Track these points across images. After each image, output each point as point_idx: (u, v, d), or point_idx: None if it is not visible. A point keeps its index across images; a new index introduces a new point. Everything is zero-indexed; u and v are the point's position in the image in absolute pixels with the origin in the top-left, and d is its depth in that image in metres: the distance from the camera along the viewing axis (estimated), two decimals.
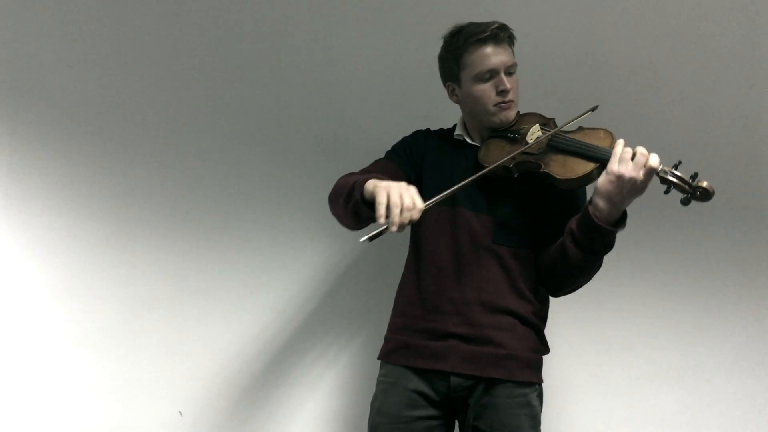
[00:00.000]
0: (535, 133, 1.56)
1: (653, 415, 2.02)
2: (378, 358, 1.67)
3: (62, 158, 2.04)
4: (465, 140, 1.67)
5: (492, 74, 1.57)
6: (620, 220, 1.44)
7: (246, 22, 2.10)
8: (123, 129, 2.06)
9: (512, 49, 1.61)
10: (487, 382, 1.53)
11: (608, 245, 1.46)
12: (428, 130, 1.76)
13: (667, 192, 1.40)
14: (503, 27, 1.58)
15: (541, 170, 1.51)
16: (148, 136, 2.07)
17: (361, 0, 2.10)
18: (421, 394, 1.56)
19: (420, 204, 1.34)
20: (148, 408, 2.00)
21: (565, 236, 1.49)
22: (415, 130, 1.77)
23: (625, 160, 1.38)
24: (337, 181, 1.59)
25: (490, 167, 1.49)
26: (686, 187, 1.37)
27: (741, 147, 2.06)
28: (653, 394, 2.03)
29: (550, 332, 1.65)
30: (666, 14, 2.08)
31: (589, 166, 1.46)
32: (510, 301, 1.56)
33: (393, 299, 1.70)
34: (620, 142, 1.42)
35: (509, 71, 1.58)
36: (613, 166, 1.39)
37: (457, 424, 1.65)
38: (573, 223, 1.47)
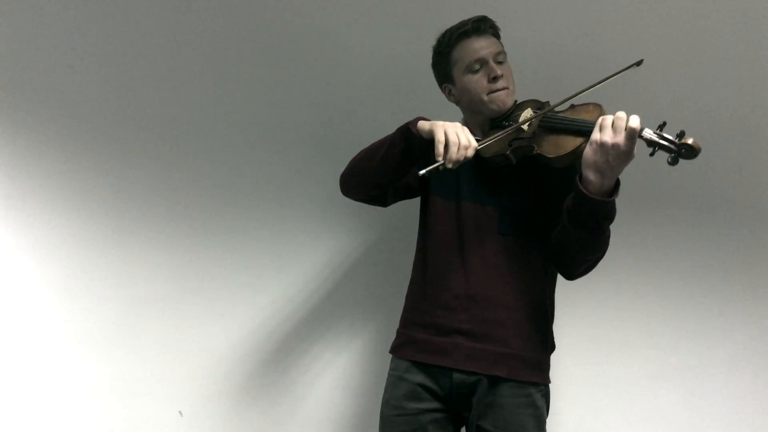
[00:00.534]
0: (526, 116, 1.56)
1: (653, 415, 2.02)
2: (389, 352, 1.68)
3: (62, 158, 2.04)
4: None
5: (481, 63, 1.58)
6: (614, 190, 1.40)
7: (246, 22, 2.10)
8: (123, 129, 2.06)
9: (497, 39, 1.63)
10: (491, 379, 1.53)
11: (605, 216, 1.41)
12: None
13: (652, 154, 1.36)
14: (484, 18, 1.61)
15: (535, 152, 1.50)
16: (148, 136, 2.07)
17: (361, 0, 2.11)
18: (426, 388, 1.57)
19: (474, 143, 1.42)
20: (148, 408, 2.01)
21: (563, 215, 1.47)
22: None
23: (606, 127, 1.35)
24: (356, 155, 1.62)
25: (484, 141, 1.50)
26: (671, 146, 1.33)
27: (741, 147, 2.06)
28: (653, 394, 2.03)
29: None
30: (666, 14, 2.08)
31: (577, 141, 1.44)
32: (517, 296, 1.56)
33: (392, 299, 1.70)
34: (605, 116, 1.39)
35: (498, 59, 1.59)
36: (596, 135, 1.36)
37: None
38: (568, 201, 1.45)
